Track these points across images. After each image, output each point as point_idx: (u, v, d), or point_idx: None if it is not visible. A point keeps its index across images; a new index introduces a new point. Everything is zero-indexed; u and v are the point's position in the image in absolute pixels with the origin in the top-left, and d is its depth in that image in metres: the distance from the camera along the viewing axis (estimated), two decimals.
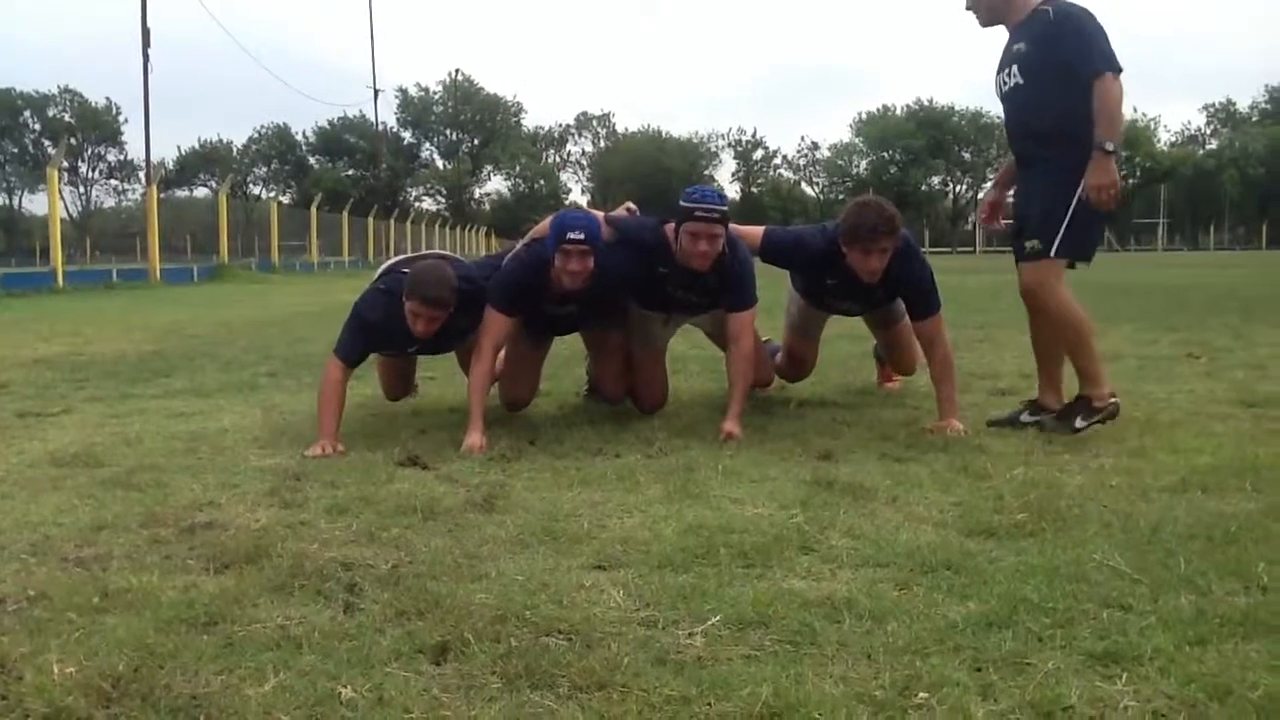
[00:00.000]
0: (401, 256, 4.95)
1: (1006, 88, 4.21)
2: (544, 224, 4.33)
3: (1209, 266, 27.89)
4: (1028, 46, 4.08)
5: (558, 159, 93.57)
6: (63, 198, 34.95)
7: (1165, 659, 1.90)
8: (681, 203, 4.11)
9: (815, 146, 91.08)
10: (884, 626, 2.09)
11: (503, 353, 4.60)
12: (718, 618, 2.15)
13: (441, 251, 5.37)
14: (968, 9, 4.29)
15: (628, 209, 4.61)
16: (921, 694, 1.80)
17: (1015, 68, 4.12)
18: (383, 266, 4.77)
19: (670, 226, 4.22)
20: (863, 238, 4.16)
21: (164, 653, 1.99)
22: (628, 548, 2.65)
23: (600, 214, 4.40)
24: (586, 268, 4.05)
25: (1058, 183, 4.02)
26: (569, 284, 4.10)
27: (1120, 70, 3.91)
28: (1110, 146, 3.89)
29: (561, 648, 2.02)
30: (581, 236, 4.00)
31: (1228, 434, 4.03)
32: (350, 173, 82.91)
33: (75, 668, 1.91)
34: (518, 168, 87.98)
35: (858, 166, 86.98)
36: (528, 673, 1.90)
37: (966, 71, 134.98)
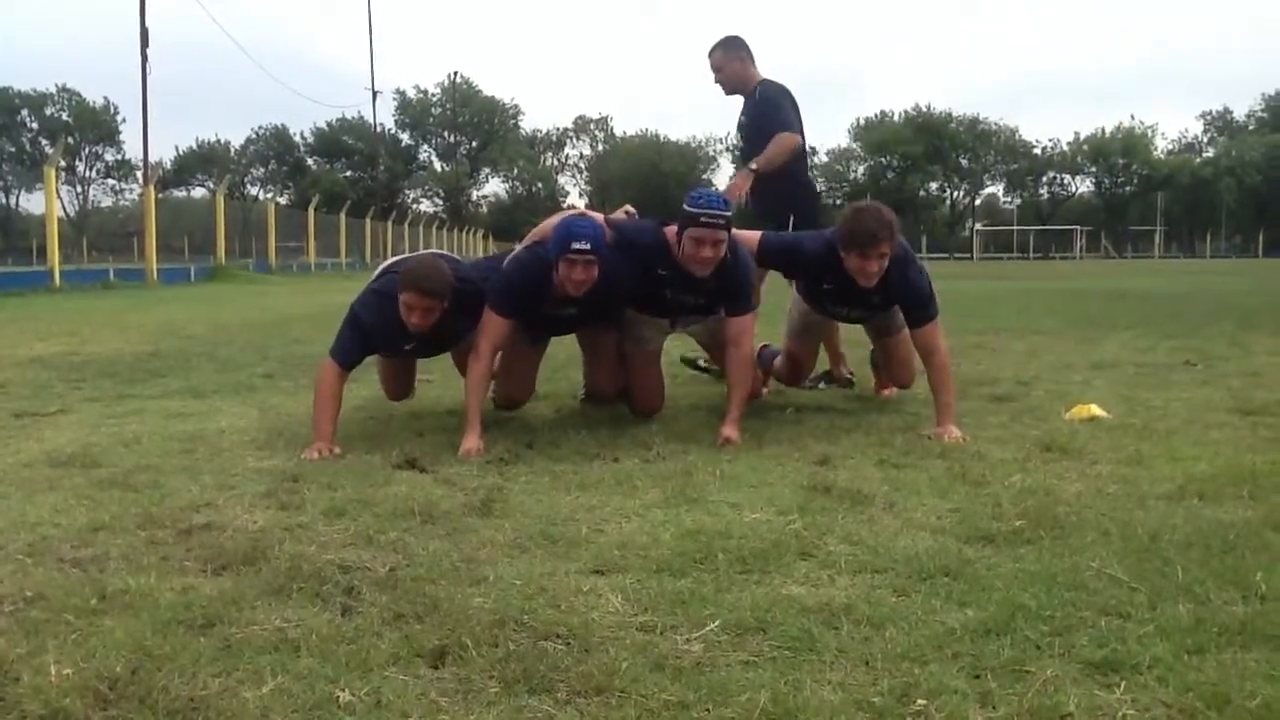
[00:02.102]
0: (398, 257, 4.94)
1: (739, 141, 5.77)
2: (545, 225, 4.32)
3: (1205, 274, 27.93)
4: (745, 120, 5.60)
5: (556, 162, 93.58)
6: (60, 197, 34.93)
7: (1164, 668, 1.90)
8: (685, 207, 4.09)
9: (813, 151, 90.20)
10: (882, 633, 2.09)
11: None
12: (716, 623, 2.15)
13: (439, 251, 5.37)
14: (716, 82, 5.62)
15: (626, 212, 4.61)
16: (920, 701, 1.80)
17: (740, 135, 5.72)
18: (380, 268, 4.76)
19: (671, 230, 4.21)
20: (860, 242, 4.17)
21: (162, 655, 1.99)
22: (626, 552, 2.65)
23: (600, 216, 4.39)
24: (591, 277, 4.04)
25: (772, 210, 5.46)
26: (572, 291, 4.09)
27: (796, 132, 5.45)
28: (754, 167, 5.38)
29: (560, 652, 2.01)
30: (587, 246, 3.98)
31: (1225, 442, 4.03)
32: (348, 174, 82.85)
33: (73, 669, 1.91)
34: (515, 170, 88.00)
35: (855, 172, 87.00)
36: (526, 677, 1.90)
37: (964, 78, 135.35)
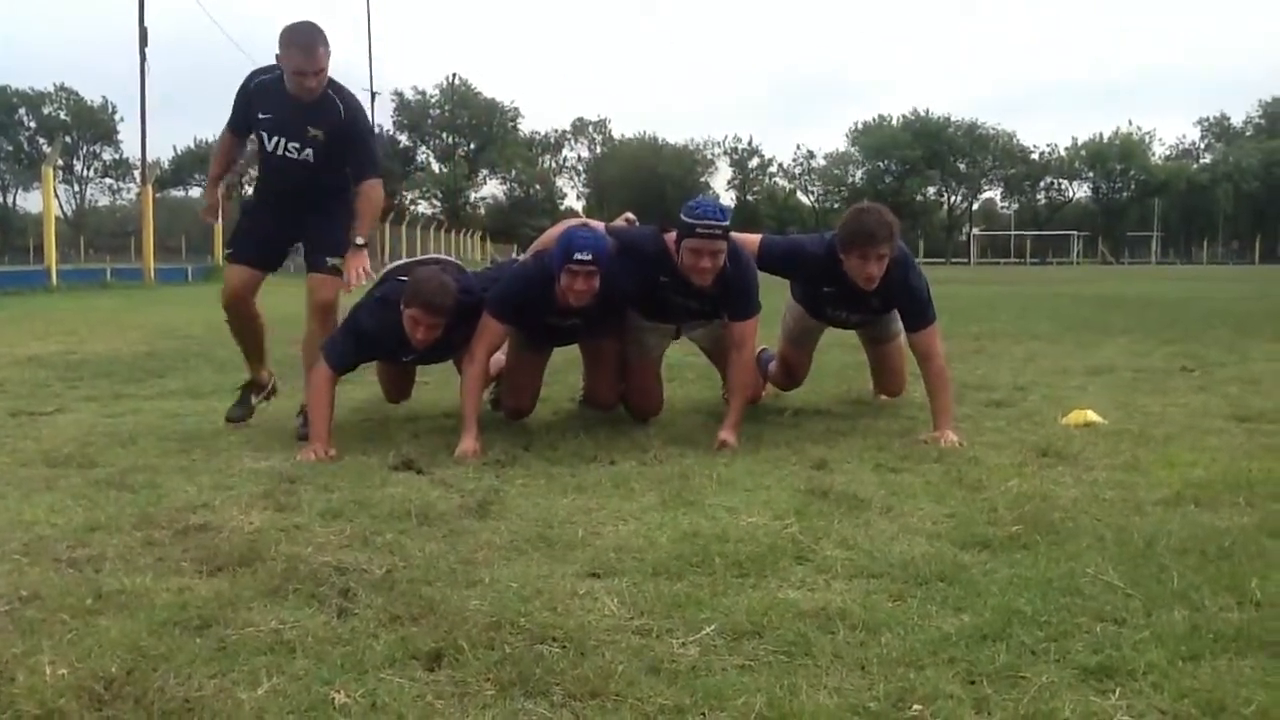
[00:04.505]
0: (400, 262, 4.94)
1: (290, 155, 4.51)
2: (550, 234, 4.33)
3: (1202, 280, 27.97)
4: (325, 135, 4.47)
5: (554, 164, 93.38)
6: (57, 196, 34.88)
7: (1159, 674, 1.91)
8: (683, 216, 4.08)
9: (811, 155, 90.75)
10: (878, 638, 2.10)
11: (502, 356, 4.61)
12: (712, 627, 2.16)
13: (441, 257, 5.34)
14: (309, 86, 4.38)
15: (627, 219, 4.61)
16: (915, 706, 1.80)
17: (310, 152, 4.49)
18: (382, 271, 4.76)
19: (671, 236, 4.21)
20: (860, 243, 4.17)
21: (157, 655, 1.99)
22: (622, 555, 2.65)
23: (600, 224, 4.39)
24: (592, 288, 4.04)
25: (344, 226, 4.56)
26: (574, 302, 4.08)
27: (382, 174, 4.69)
28: (361, 241, 4.53)
29: (555, 655, 2.02)
30: (589, 258, 3.98)
31: (1221, 448, 4.04)
32: None
33: (68, 669, 1.91)
34: (514, 172, 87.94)
35: (853, 176, 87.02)
36: (521, 680, 1.90)
37: (963, 82, 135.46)
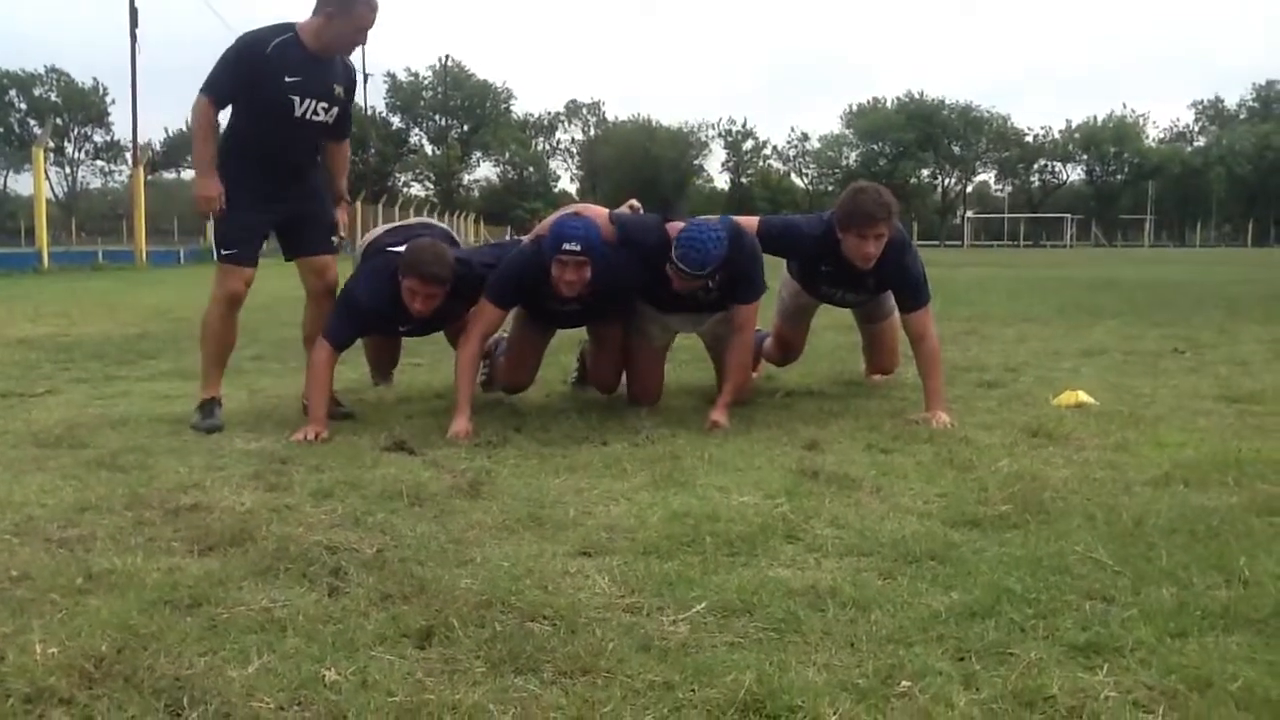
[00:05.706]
0: (386, 227, 4.89)
1: (318, 117, 4.30)
2: (549, 221, 4.32)
3: (1195, 263, 28.01)
4: (342, 92, 4.38)
5: (547, 147, 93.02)
6: (48, 178, 34.69)
7: (1146, 650, 1.92)
8: (671, 253, 4.03)
9: (805, 138, 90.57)
10: (868, 615, 2.10)
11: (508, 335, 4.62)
12: (702, 605, 2.16)
13: (428, 220, 5.24)
14: (361, 43, 4.36)
15: (631, 207, 4.60)
16: (904, 683, 1.81)
17: (336, 110, 4.35)
18: (367, 238, 4.71)
19: (674, 226, 4.18)
20: (859, 222, 4.16)
21: (148, 634, 1.99)
22: (613, 534, 2.66)
23: (605, 211, 4.37)
24: (582, 278, 4.03)
25: (329, 197, 4.64)
26: (566, 291, 4.07)
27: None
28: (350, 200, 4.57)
29: (546, 633, 2.02)
30: (577, 248, 3.96)
31: (1211, 429, 4.05)
32: None
33: (58, 648, 1.91)
34: (507, 154, 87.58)
35: (847, 158, 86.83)
36: (512, 657, 1.91)
37: (957, 65, 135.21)
